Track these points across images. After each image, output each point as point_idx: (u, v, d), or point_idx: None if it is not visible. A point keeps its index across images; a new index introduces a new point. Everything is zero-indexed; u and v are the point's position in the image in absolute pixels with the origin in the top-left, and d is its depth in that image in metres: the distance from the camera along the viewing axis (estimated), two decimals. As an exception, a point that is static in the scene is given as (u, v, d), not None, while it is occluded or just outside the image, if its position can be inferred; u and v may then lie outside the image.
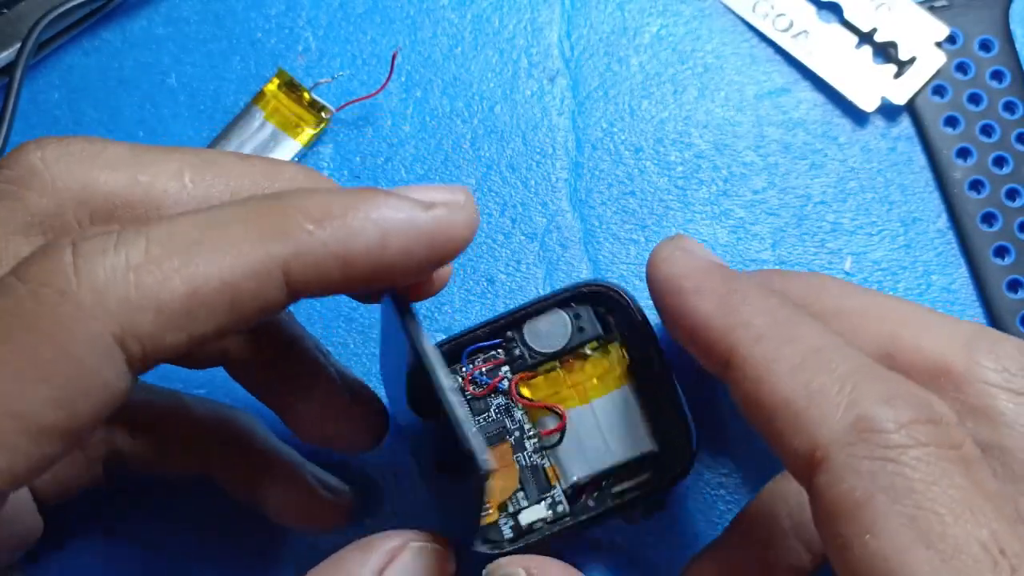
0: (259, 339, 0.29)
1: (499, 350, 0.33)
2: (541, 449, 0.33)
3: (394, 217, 0.24)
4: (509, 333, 0.33)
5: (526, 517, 0.32)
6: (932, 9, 0.40)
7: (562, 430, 0.32)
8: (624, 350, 0.33)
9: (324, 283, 0.23)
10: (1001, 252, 0.38)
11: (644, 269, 0.34)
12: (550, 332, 0.33)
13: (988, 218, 0.38)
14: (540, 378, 0.33)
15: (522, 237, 0.38)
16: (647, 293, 0.31)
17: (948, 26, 0.39)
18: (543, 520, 0.32)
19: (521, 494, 0.32)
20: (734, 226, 0.38)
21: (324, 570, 0.26)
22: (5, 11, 0.39)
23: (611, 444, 0.32)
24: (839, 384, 0.22)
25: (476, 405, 0.33)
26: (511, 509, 0.32)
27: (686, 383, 0.32)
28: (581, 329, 0.33)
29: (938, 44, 0.39)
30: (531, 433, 0.33)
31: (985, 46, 0.40)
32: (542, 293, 0.34)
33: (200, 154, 0.28)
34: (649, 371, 0.32)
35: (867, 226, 0.38)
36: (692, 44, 0.40)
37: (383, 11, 0.41)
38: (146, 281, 0.22)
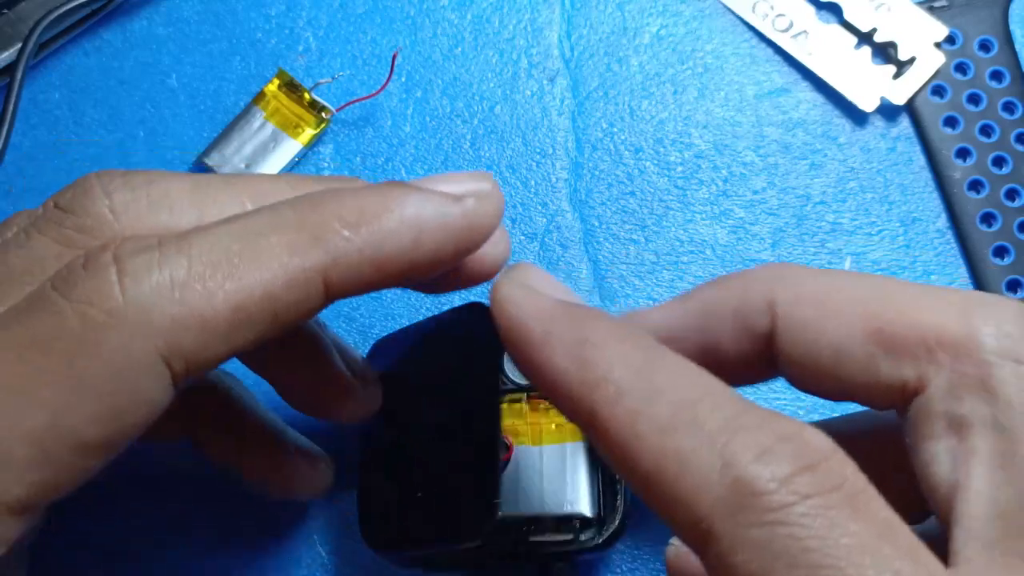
0: None
1: None
2: None
3: (425, 215, 0.24)
4: None
5: None
6: (932, 9, 0.40)
7: (505, 462, 0.32)
8: None
9: (360, 285, 0.24)
10: (1000, 252, 0.38)
11: (644, 269, 0.34)
12: None
13: (987, 218, 0.38)
14: (504, 405, 0.33)
15: (522, 237, 0.38)
16: (643, 297, 0.30)
17: (948, 26, 0.39)
18: None
19: None
20: (734, 226, 0.38)
21: None
22: (5, 11, 0.39)
23: (546, 493, 0.31)
24: (710, 443, 0.20)
25: None
26: None
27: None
28: None
29: (937, 44, 0.39)
30: None
31: (985, 46, 0.40)
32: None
33: (257, 184, 0.26)
34: None
35: (867, 226, 0.38)
36: (692, 44, 0.41)
37: (383, 11, 0.41)
38: (191, 298, 0.22)
